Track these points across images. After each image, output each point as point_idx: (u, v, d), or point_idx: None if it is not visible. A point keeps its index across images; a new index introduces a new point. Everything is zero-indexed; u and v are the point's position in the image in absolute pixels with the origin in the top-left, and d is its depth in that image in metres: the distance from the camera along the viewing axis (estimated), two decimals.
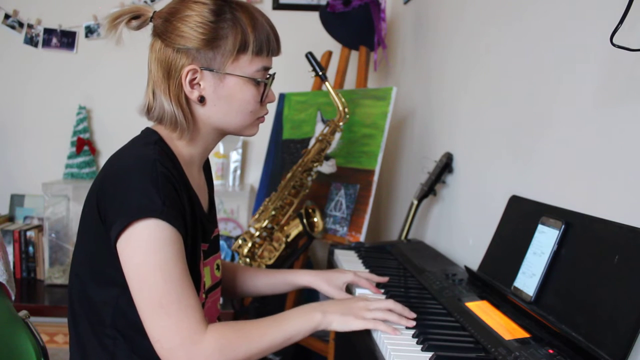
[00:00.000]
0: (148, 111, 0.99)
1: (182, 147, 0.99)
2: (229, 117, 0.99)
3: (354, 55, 2.30)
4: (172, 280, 0.85)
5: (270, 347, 0.91)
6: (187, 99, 0.96)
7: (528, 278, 1.00)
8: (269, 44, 0.98)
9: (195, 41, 0.93)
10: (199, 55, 0.94)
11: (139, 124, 1.03)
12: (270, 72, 1.01)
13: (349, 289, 1.19)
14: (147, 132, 1.00)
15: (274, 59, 1.02)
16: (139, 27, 0.99)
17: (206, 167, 1.13)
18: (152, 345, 0.86)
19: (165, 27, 0.95)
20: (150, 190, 0.86)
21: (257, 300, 1.86)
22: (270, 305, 1.90)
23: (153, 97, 0.97)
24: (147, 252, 0.85)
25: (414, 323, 0.95)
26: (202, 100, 0.96)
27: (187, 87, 0.95)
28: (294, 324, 0.93)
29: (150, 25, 0.99)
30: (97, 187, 0.91)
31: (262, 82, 0.99)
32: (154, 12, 0.98)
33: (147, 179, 0.87)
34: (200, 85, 0.95)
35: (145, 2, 2.59)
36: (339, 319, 0.95)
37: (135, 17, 0.98)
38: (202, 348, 0.85)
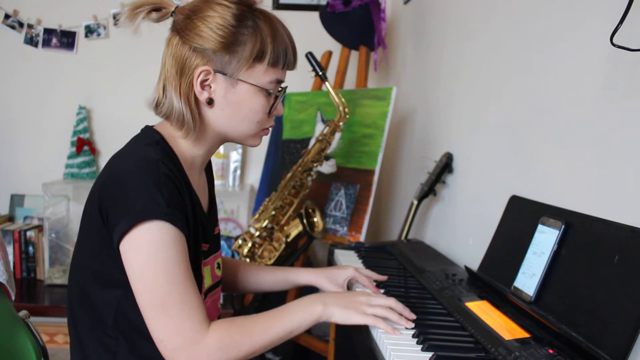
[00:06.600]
0: (157, 105, 0.98)
1: (185, 148, 0.99)
2: (235, 123, 0.98)
3: (354, 55, 2.30)
4: (175, 281, 0.85)
5: (273, 342, 0.91)
6: (196, 99, 0.95)
7: (528, 278, 1.00)
8: (286, 57, 0.97)
9: (213, 43, 0.92)
10: (214, 57, 0.93)
11: (139, 124, 1.02)
12: (283, 85, 1.00)
13: (349, 287, 1.19)
14: (148, 131, 0.99)
15: None
16: (158, 20, 0.97)
17: (207, 168, 1.13)
18: (152, 346, 0.86)
19: (185, 24, 0.94)
20: (153, 192, 0.85)
21: (257, 300, 1.86)
22: (271, 305, 1.90)
23: (163, 93, 0.96)
24: (150, 254, 0.84)
25: (412, 325, 0.95)
26: (210, 102, 0.95)
27: (197, 87, 0.94)
28: (295, 318, 0.93)
29: (170, 20, 0.97)
30: (99, 188, 0.90)
31: (274, 94, 0.98)
32: (177, 6, 0.97)
33: (150, 180, 0.86)
34: (211, 87, 0.94)
35: None
36: (340, 312, 0.94)
37: (156, 9, 0.96)
38: (206, 347, 0.85)
